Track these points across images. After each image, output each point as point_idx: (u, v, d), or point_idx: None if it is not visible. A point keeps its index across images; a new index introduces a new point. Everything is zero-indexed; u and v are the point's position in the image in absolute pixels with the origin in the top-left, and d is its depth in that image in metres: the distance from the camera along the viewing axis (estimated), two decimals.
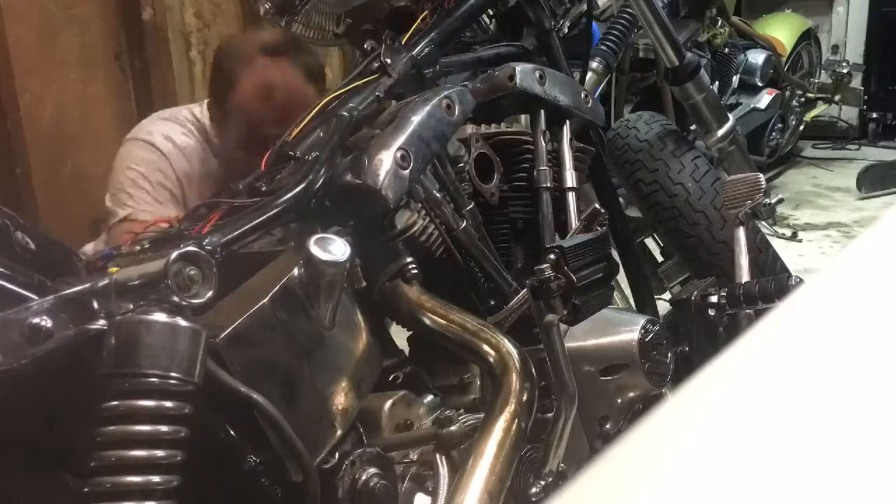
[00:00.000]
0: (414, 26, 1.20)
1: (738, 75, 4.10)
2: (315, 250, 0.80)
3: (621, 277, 1.42)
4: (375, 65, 1.14)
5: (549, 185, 1.16)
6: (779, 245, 2.05)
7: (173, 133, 1.67)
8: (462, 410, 0.95)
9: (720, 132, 1.68)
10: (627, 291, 1.55)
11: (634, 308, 1.51)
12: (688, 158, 1.65)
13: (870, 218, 3.76)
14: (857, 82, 5.02)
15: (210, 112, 1.69)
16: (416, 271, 0.98)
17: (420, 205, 1.01)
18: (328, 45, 1.41)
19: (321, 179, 0.94)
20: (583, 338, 1.08)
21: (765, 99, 4.18)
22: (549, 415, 0.94)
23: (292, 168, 1.03)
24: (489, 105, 1.16)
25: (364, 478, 0.84)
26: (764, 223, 2.36)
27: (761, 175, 1.40)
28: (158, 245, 0.92)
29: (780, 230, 3.57)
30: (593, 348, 1.09)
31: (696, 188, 1.61)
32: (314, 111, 1.11)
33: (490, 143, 1.17)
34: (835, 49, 5.44)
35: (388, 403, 0.94)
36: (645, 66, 3.30)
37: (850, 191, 4.28)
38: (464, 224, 1.05)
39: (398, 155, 0.95)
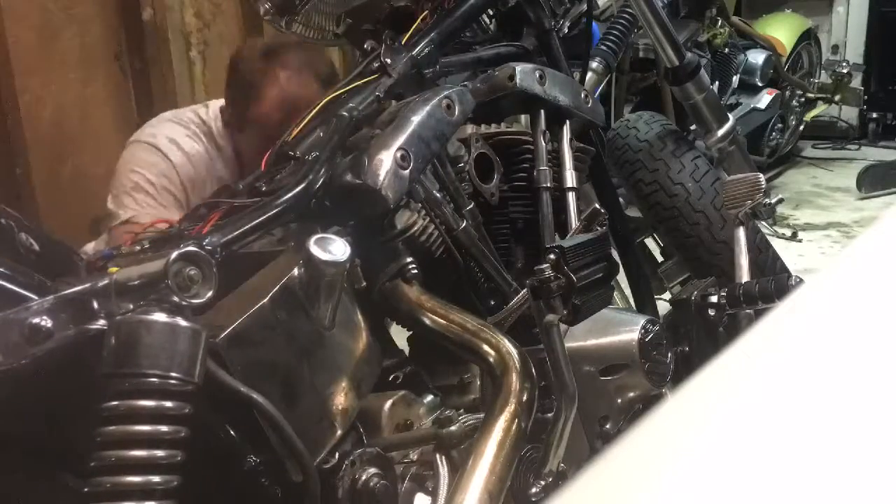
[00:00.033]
0: (414, 26, 1.20)
1: (738, 75, 4.09)
2: (315, 250, 0.80)
3: (621, 277, 1.42)
4: (375, 65, 1.14)
5: (549, 185, 1.16)
6: (779, 245, 2.05)
7: (178, 136, 1.66)
8: (462, 410, 0.95)
9: (720, 132, 1.68)
10: (627, 291, 1.55)
11: (634, 308, 1.51)
12: (688, 158, 1.65)
13: (870, 218, 3.76)
14: (857, 82, 5.02)
15: (223, 117, 1.69)
16: (416, 271, 0.98)
17: (420, 205, 1.01)
18: (328, 44, 1.42)
19: (321, 179, 0.94)
20: (583, 338, 1.08)
21: (765, 99, 4.18)
22: (549, 415, 0.94)
23: (292, 168, 1.03)
24: (489, 105, 1.16)
25: (364, 478, 0.84)
26: (764, 223, 2.36)
27: (761, 175, 1.40)
28: (158, 245, 0.92)
29: (780, 230, 3.57)
30: (593, 348, 1.09)
31: (696, 188, 1.61)
32: (314, 111, 1.11)
33: (490, 143, 1.17)
34: (835, 49, 5.44)
35: (388, 403, 0.94)
36: (645, 66, 3.30)
37: (850, 191, 4.28)
38: (464, 224, 1.05)
39: (398, 155, 0.95)
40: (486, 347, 0.91)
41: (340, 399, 0.84)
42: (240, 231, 0.86)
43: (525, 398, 0.87)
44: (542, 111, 1.19)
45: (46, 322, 0.67)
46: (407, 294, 0.98)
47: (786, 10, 4.96)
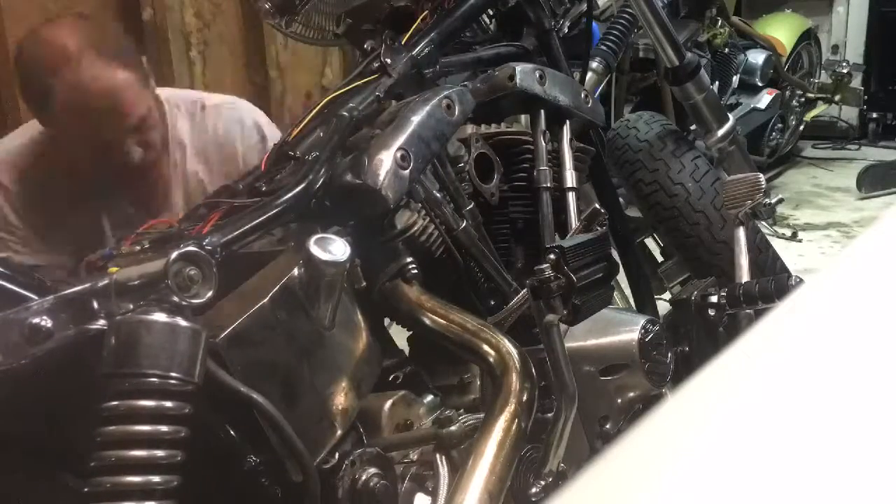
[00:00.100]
0: (414, 26, 1.20)
1: (738, 75, 4.09)
2: (315, 250, 0.80)
3: (621, 277, 1.42)
4: (375, 65, 1.14)
5: (549, 185, 1.16)
6: (779, 245, 2.05)
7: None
8: (462, 410, 0.95)
9: (720, 132, 1.68)
10: (627, 291, 1.55)
11: (634, 308, 1.51)
12: (688, 158, 1.65)
13: (870, 218, 3.76)
14: (857, 82, 5.01)
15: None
16: (416, 271, 0.98)
17: (420, 205, 1.01)
18: (328, 44, 1.41)
19: (321, 179, 0.94)
20: (583, 338, 1.08)
21: (765, 99, 4.18)
22: (549, 415, 0.94)
23: (292, 168, 1.03)
24: (489, 105, 1.16)
25: (364, 478, 0.84)
26: (764, 223, 2.36)
27: (761, 175, 1.40)
28: (158, 245, 0.92)
29: (780, 230, 3.57)
30: (593, 348, 1.09)
31: (696, 188, 1.61)
32: (314, 111, 1.11)
33: (490, 143, 1.17)
34: (835, 49, 5.44)
35: (388, 403, 0.94)
36: (645, 66, 3.30)
37: (850, 191, 4.28)
38: (464, 224, 1.05)
39: (398, 155, 0.95)
40: (486, 347, 0.91)
41: (340, 399, 0.84)
42: (240, 231, 0.85)
43: (525, 398, 0.87)
44: (542, 111, 1.19)
45: (46, 322, 0.67)
46: (407, 294, 0.98)
47: (786, 10, 4.96)
